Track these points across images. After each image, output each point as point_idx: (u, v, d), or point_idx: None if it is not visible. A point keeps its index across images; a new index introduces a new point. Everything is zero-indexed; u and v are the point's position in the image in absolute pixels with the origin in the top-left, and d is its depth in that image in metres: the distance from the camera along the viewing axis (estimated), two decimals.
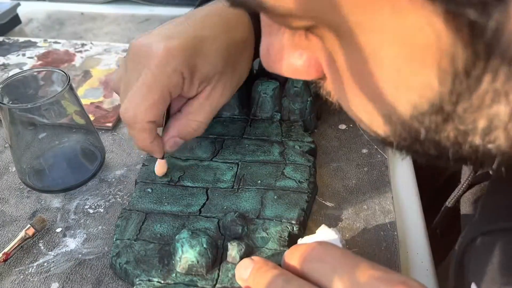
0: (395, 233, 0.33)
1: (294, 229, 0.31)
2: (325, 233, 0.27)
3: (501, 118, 0.15)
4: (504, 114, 0.15)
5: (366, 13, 0.14)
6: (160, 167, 0.35)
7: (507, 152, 0.16)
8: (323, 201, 0.35)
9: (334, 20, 0.15)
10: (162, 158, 0.34)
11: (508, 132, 0.15)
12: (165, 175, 0.36)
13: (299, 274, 0.24)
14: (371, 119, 0.18)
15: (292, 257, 0.25)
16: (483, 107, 0.15)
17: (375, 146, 0.40)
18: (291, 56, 0.19)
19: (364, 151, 0.40)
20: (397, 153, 0.19)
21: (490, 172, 0.33)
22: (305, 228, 0.33)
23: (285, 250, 0.29)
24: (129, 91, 0.31)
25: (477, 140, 0.16)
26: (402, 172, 0.39)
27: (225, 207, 0.33)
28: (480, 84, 0.14)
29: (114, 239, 0.31)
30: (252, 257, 0.27)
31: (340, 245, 0.26)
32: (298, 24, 0.16)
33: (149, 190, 0.35)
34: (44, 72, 0.37)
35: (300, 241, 0.28)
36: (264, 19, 0.20)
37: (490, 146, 0.16)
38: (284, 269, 0.25)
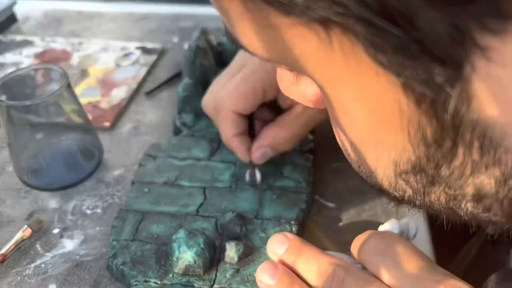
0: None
1: (293, 229, 0.31)
2: (392, 225, 0.26)
3: (489, 189, 0.14)
4: (490, 186, 0.14)
5: (333, 70, 0.14)
6: (256, 175, 0.33)
7: (507, 222, 0.15)
8: (324, 201, 0.35)
9: (305, 72, 0.16)
10: (254, 166, 0.33)
11: (502, 203, 0.14)
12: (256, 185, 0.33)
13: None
14: (358, 165, 0.18)
15: (355, 247, 0.24)
16: (465, 176, 0.14)
17: None
18: (302, 84, 0.19)
19: None
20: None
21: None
22: (304, 228, 0.32)
23: None
24: (223, 83, 0.31)
25: (469, 207, 0.15)
26: None
27: (223, 207, 0.33)
28: (456, 156, 0.14)
29: (111, 240, 0.31)
30: (286, 233, 0.25)
31: (408, 236, 0.25)
32: (282, 67, 0.17)
33: (146, 190, 0.34)
34: (41, 70, 0.37)
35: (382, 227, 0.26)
36: None
37: (486, 215, 0.15)
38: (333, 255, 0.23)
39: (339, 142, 0.20)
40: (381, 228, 0.26)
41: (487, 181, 0.14)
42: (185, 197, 0.34)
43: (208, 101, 0.33)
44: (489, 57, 0.11)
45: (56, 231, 0.34)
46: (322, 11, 0.12)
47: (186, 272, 0.28)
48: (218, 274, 0.28)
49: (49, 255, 0.32)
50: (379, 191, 0.18)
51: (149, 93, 0.48)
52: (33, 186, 0.37)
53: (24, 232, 0.32)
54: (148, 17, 0.64)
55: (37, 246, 0.33)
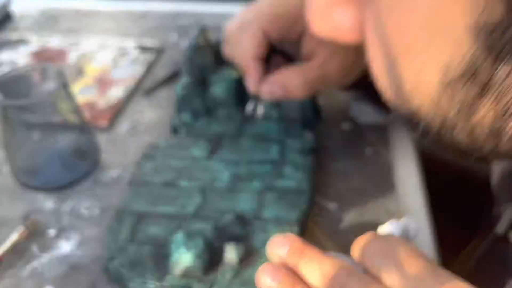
0: None
1: (294, 230, 0.30)
2: (393, 227, 0.25)
3: None
4: None
5: None
6: (259, 108, 0.34)
7: None
8: (325, 202, 0.34)
9: None
10: (258, 99, 0.32)
11: None
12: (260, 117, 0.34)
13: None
14: (399, 90, 0.16)
15: (356, 249, 0.23)
16: None
17: (379, 146, 0.39)
18: (337, 11, 0.18)
19: (368, 150, 0.39)
20: (422, 140, 0.18)
21: None
22: (305, 229, 0.32)
23: None
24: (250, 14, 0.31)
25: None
26: (408, 172, 0.38)
27: (222, 208, 0.32)
28: None
29: (108, 242, 0.30)
30: (288, 234, 0.24)
31: (408, 237, 0.25)
32: None
33: (144, 191, 0.34)
34: (38, 69, 0.37)
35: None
36: None
37: None
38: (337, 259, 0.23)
39: (376, 72, 0.18)
40: (381, 229, 0.25)
41: None
42: (184, 198, 0.33)
43: (234, 21, 0.32)
44: None
45: (52, 232, 0.33)
46: None
47: (185, 274, 0.27)
48: (217, 276, 0.28)
49: (45, 256, 0.32)
50: (412, 120, 0.17)
51: (147, 92, 0.47)
52: (30, 186, 0.37)
53: (20, 233, 0.32)
54: (146, 15, 0.64)
55: (33, 247, 0.32)
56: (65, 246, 0.32)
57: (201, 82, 0.40)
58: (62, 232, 0.33)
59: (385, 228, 0.25)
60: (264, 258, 0.28)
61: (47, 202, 0.36)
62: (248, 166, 0.35)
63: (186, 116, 0.40)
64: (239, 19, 0.34)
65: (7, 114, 0.34)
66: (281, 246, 0.24)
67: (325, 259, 0.23)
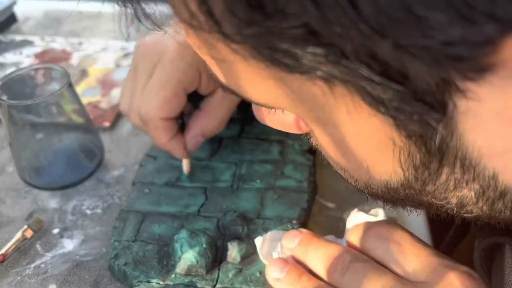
0: None
1: (295, 229, 0.31)
2: (361, 217, 0.27)
3: (470, 199, 0.17)
4: (471, 197, 0.16)
5: (329, 113, 0.16)
6: (185, 166, 0.35)
7: (486, 218, 0.18)
8: (324, 202, 0.35)
9: (303, 114, 0.17)
10: (187, 158, 0.34)
11: (481, 208, 0.17)
12: (190, 173, 0.35)
13: (362, 252, 0.24)
14: (355, 179, 0.20)
15: (354, 234, 0.25)
16: (449, 191, 0.17)
17: None
18: (278, 112, 0.20)
19: None
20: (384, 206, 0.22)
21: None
22: (305, 228, 0.32)
23: None
24: (140, 90, 0.30)
25: (454, 209, 0.18)
26: None
27: (224, 207, 0.33)
28: (441, 175, 0.16)
29: (112, 241, 0.30)
30: (300, 229, 0.27)
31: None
32: (273, 108, 0.19)
33: (147, 190, 0.34)
34: (42, 69, 0.37)
35: (353, 214, 0.27)
36: None
37: (468, 215, 0.18)
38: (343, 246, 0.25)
39: (330, 162, 0.21)
40: (349, 220, 0.27)
41: (468, 194, 0.16)
42: (186, 198, 0.33)
43: (132, 115, 0.32)
44: (468, 97, 0.13)
45: (56, 231, 0.34)
46: (328, 72, 0.14)
47: (189, 272, 0.28)
48: (220, 274, 0.28)
49: (49, 255, 0.32)
50: (374, 197, 0.21)
51: None
52: (34, 186, 0.37)
53: (24, 232, 0.32)
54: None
55: (37, 246, 0.32)
56: (69, 245, 0.33)
57: None
58: (65, 230, 0.34)
59: (352, 219, 0.27)
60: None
61: (51, 201, 0.36)
62: (250, 166, 0.36)
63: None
64: (133, 109, 0.31)
65: (12, 114, 0.34)
66: (293, 239, 0.26)
67: (331, 245, 0.24)
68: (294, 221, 0.31)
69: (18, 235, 0.32)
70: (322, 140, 0.19)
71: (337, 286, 0.23)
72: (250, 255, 0.29)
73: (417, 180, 0.17)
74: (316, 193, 0.35)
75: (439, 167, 0.16)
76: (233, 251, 0.28)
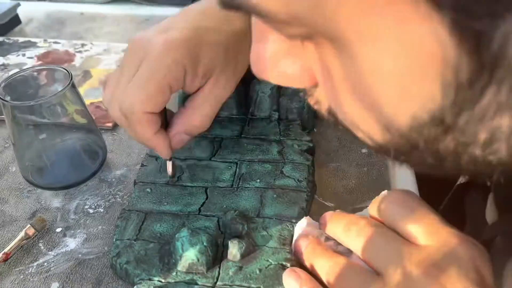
0: None
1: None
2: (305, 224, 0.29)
3: (503, 131, 0.15)
4: (507, 127, 0.15)
5: (368, 22, 0.14)
6: (168, 167, 0.34)
7: (507, 163, 0.16)
8: (323, 201, 0.35)
9: (332, 29, 0.15)
10: (170, 159, 0.33)
11: (510, 144, 0.15)
12: (174, 176, 0.35)
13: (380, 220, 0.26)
14: (368, 128, 0.18)
15: (374, 205, 0.27)
16: (485, 120, 0.15)
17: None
18: (283, 63, 0.19)
19: (364, 151, 0.40)
20: (394, 162, 0.19)
21: (488, 183, 0.33)
22: None
23: (285, 249, 0.29)
24: (124, 84, 0.30)
25: (477, 151, 0.16)
26: (402, 172, 0.39)
27: (224, 206, 0.33)
28: (484, 96, 0.14)
29: (114, 240, 0.31)
30: (297, 270, 0.27)
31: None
32: (295, 31, 0.16)
33: (148, 190, 0.35)
34: (45, 71, 0.37)
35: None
36: (255, 24, 0.19)
37: (490, 157, 0.16)
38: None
39: (340, 116, 0.19)
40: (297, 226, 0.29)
41: (505, 123, 0.14)
42: (187, 197, 0.34)
43: (113, 108, 0.31)
44: None
45: (59, 230, 0.34)
46: None
47: (190, 270, 0.28)
48: (221, 271, 0.28)
49: (51, 253, 0.32)
50: (384, 151, 0.18)
51: None
52: (37, 185, 0.37)
53: (27, 231, 0.32)
54: (150, 19, 0.65)
55: (40, 245, 0.33)
56: (71, 243, 0.33)
57: None
58: (68, 229, 0.34)
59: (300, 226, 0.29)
60: (266, 255, 0.29)
61: (54, 201, 0.36)
62: (249, 166, 0.36)
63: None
64: (115, 103, 0.30)
65: (15, 115, 0.34)
66: (302, 247, 0.27)
67: (333, 257, 0.25)
68: (293, 220, 0.31)
69: (21, 234, 0.32)
70: (335, 79, 0.17)
71: (350, 247, 0.25)
72: (250, 253, 0.29)
73: (454, 107, 0.14)
74: (315, 193, 0.36)
75: (486, 84, 0.14)
76: (233, 249, 0.29)
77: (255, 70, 0.20)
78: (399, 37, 0.14)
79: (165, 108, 0.32)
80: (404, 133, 0.16)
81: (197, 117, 0.32)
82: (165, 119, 0.33)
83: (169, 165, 0.34)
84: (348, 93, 0.17)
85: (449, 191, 0.40)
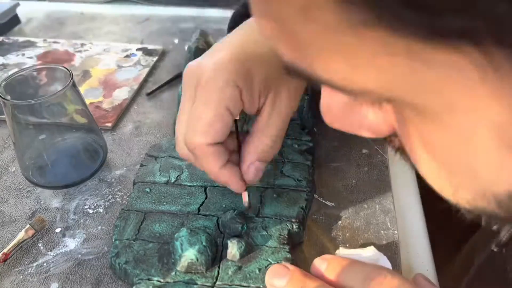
0: (396, 232, 0.32)
1: (294, 227, 0.31)
2: (371, 254, 0.26)
3: None
4: None
5: (461, 94, 0.13)
6: (244, 198, 0.31)
7: None
8: (323, 201, 0.35)
9: (419, 100, 0.14)
10: (245, 189, 0.30)
11: None
12: (250, 207, 0.32)
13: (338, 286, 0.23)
14: (455, 192, 0.16)
15: (333, 269, 0.24)
16: None
17: (375, 146, 0.40)
18: (359, 112, 0.18)
19: (364, 151, 0.40)
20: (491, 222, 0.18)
21: None
22: (304, 226, 0.33)
23: (285, 248, 0.29)
24: (185, 119, 0.28)
25: None
26: (403, 172, 0.39)
27: (224, 206, 0.33)
28: None
29: (113, 240, 0.31)
30: (287, 264, 0.25)
31: (390, 267, 0.26)
32: (373, 99, 0.15)
33: (148, 190, 0.34)
34: (45, 70, 0.37)
35: (339, 252, 0.28)
36: None
37: None
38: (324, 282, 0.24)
39: (421, 173, 0.17)
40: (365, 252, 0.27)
41: None
42: (187, 197, 0.34)
43: (178, 145, 0.29)
44: None
45: (58, 230, 0.34)
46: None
47: (189, 269, 0.28)
48: (220, 271, 0.28)
49: (51, 254, 0.32)
50: (486, 215, 0.17)
51: (150, 94, 0.48)
52: (37, 184, 0.37)
53: (26, 231, 0.32)
54: (149, 19, 0.65)
55: (39, 245, 0.33)
56: (71, 244, 0.33)
57: None
58: (67, 229, 0.34)
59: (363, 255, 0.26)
60: (265, 254, 0.29)
61: (53, 201, 0.36)
62: None
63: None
64: (181, 141, 0.29)
65: (15, 114, 0.34)
66: (280, 277, 0.25)
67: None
68: (293, 220, 0.31)
69: (21, 234, 0.32)
70: (412, 140, 0.16)
71: None
72: (249, 253, 0.29)
73: None
74: (315, 192, 0.36)
75: None
76: (233, 249, 0.29)
77: (327, 121, 0.19)
78: (492, 109, 0.13)
79: (238, 136, 0.30)
80: (503, 201, 0.15)
81: (265, 139, 0.29)
82: (239, 147, 0.30)
83: (245, 195, 0.31)
84: (433, 157, 0.16)
85: None
